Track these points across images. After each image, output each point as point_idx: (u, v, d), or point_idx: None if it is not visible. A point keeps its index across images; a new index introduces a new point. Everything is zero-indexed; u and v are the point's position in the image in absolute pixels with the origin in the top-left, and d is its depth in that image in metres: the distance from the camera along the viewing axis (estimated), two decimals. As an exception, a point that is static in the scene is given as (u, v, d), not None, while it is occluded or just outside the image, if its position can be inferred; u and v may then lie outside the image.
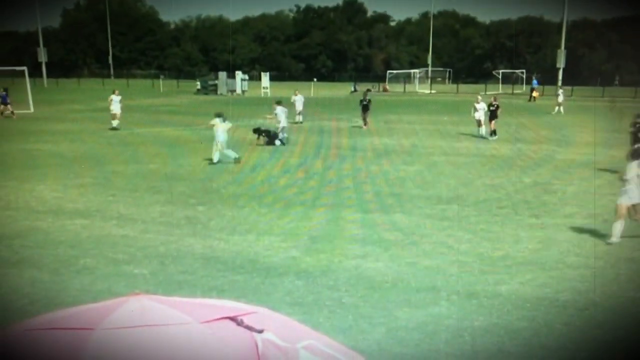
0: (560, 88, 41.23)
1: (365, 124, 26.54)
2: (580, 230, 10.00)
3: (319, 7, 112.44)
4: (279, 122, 21.54)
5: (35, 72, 61.91)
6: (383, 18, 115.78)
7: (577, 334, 6.12)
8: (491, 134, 23.00)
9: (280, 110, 21.66)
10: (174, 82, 75.94)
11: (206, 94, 56.08)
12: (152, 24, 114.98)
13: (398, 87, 66.91)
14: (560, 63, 61.29)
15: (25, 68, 37.84)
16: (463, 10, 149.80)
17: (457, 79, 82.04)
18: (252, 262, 8.23)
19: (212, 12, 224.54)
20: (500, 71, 70.61)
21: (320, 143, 21.78)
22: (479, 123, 23.67)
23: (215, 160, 16.51)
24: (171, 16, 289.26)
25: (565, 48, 62.02)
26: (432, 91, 64.43)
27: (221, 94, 55.00)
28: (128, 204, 11.73)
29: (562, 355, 5.66)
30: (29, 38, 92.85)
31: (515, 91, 60.67)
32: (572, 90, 54.13)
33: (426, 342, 5.84)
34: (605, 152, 19.25)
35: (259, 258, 8.41)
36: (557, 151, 20.03)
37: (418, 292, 7.15)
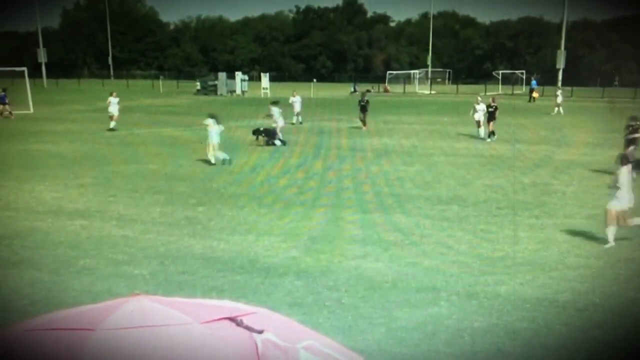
0: (559, 89, 41.21)
1: (364, 125, 26.52)
2: (579, 230, 10.00)
3: (318, 7, 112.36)
4: (275, 122, 21.54)
5: (35, 73, 61.88)
6: (383, 19, 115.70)
7: (576, 334, 6.12)
8: (489, 135, 23.00)
9: (276, 110, 21.66)
10: (174, 82, 75.90)
11: (206, 94, 56.05)
12: (152, 25, 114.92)
13: (398, 88, 66.85)
14: (560, 64, 61.27)
15: (25, 68, 37.86)
16: (463, 10, 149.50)
17: (457, 79, 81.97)
18: (252, 262, 8.24)
19: (212, 12, 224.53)
20: (500, 72, 70.55)
21: (320, 143, 21.78)
22: (478, 124, 23.67)
23: (213, 161, 16.53)
24: (171, 17, 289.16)
25: (565, 48, 62.01)
26: (432, 92, 64.39)
27: (221, 95, 55.00)
28: (128, 205, 11.73)
29: (561, 356, 5.66)
30: (29, 38, 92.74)
31: (515, 92, 60.65)
32: (571, 90, 54.12)
33: (426, 342, 5.84)
34: (605, 152, 19.23)
35: (258, 258, 8.42)
36: (556, 152, 20.03)
37: (418, 292, 7.16)
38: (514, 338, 5.96)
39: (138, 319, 1.58)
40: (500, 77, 67.84)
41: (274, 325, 1.69)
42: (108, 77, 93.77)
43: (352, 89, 61.94)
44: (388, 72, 75.82)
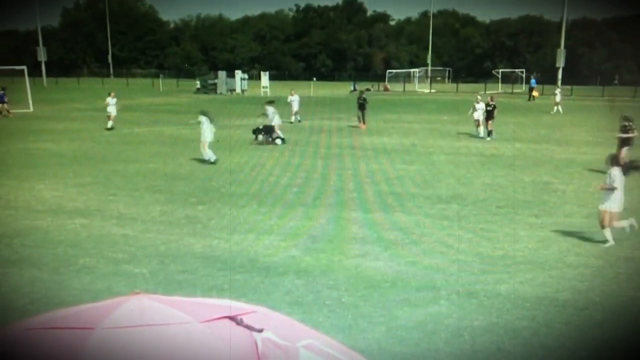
0: (558, 88, 41.18)
1: (363, 123, 26.49)
2: (579, 229, 10.00)
3: (318, 6, 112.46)
4: (270, 122, 21.55)
5: (34, 72, 61.90)
6: (383, 17, 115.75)
7: (576, 333, 6.13)
8: (488, 134, 23.00)
9: (270, 110, 21.67)
10: (174, 81, 75.93)
11: (206, 93, 56.05)
12: (151, 23, 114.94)
13: (398, 87, 66.86)
14: (560, 62, 61.25)
15: (24, 67, 37.81)
16: (463, 9, 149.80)
17: (456, 78, 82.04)
18: (252, 261, 8.24)
19: (212, 11, 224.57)
20: (500, 70, 70.60)
21: (320, 142, 21.78)
22: (477, 123, 23.67)
23: (212, 159, 16.52)
24: (171, 15, 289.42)
25: (565, 47, 61.97)
26: (432, 90, 64.38)
27: (221, 93, 55.01)
28: (128, 203, 11.73)
29: (561, 355, 5.67)
30: (29, 37, 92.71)
31: (515, 90, 60.64)
32: (571, 89, 54.13)
33: (426, 341, 5.84)
34: (605, 151, 19.12)
35: (259, 257, 8.42)
36: (556, 150, 20.03)
37: (418, 291, 7.16)
38: (514, 337, 5.96)
39: (138, 318, 1.58)
40: (500, 76, 67.88)
41: (274, 324, 1.69)
42: (108, 75, 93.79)
43: (352, 88, 61.97)
44: (388, 70, 75.82)
